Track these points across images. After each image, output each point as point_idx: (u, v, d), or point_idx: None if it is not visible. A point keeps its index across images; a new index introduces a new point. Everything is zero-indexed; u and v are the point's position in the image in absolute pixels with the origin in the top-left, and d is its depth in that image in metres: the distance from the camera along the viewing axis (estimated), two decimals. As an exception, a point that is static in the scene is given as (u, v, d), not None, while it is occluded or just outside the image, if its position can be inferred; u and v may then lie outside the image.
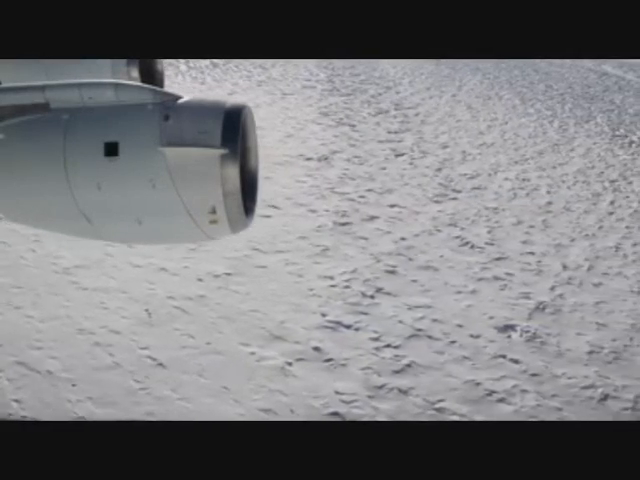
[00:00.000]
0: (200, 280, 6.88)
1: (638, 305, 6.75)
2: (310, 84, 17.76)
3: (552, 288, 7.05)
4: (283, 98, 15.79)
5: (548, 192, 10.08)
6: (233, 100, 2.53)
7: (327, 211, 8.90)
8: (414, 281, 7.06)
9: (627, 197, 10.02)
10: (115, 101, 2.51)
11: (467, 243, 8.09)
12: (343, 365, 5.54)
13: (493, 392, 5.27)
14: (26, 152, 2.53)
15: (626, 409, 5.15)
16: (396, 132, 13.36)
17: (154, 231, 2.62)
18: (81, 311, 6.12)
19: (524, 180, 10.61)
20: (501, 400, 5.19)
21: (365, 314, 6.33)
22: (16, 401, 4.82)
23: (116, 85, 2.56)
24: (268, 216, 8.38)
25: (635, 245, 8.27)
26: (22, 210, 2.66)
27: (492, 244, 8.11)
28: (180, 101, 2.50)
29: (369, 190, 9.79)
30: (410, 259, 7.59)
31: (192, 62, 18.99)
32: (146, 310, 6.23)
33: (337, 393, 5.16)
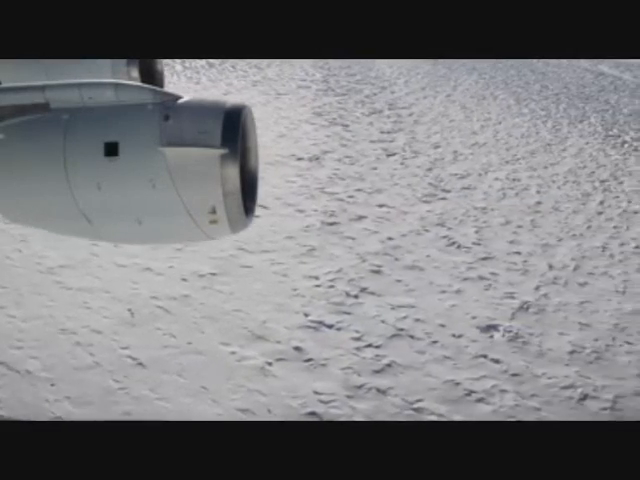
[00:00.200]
0: (185, 280, 6.88)
1: (622, 305, 6.74)
2: (305, 84, 17.77)
3: (537, 288, 7.04)
4: (277, 98, 15.80)
5: (538, 192, 10.07)
6: (233, 100, 2.53)
7: (315, 211, 8.90)
8: (399, 281, 7.06)
9: (617, 197, 10.01)
10: (115, 101, 2.51)
11: (454, 243, 8.08)
12: (323, 365, 5.53)
13: (472, 392, 5.27)
14: (26, 152, 2.53)
15: (605, 409, 5.15)
16: (389, 132, 13.36)
17: (154, 231, 2.61)
18: (64, 311, 6.13)
19: (514, 180, 10.61)
20: (480, 400, 5.18)
21: (348, 314, 6.33)
22: (-7, 401, 4.83)
23: (116, 85, 2.56)
24: (256, 216, 8.37)
25: (622, 245, 8.26)
26: (22, 210, 2.65)
27: (479, 244, 8.11)
28: (180, 101, 2.50)
29: (358, 190, 9.79)
30: (396, 259, 7.58)
31: (188, 62, 19.02)
32: (129, 310, 6.23)
33: (316, 393, 5.16)
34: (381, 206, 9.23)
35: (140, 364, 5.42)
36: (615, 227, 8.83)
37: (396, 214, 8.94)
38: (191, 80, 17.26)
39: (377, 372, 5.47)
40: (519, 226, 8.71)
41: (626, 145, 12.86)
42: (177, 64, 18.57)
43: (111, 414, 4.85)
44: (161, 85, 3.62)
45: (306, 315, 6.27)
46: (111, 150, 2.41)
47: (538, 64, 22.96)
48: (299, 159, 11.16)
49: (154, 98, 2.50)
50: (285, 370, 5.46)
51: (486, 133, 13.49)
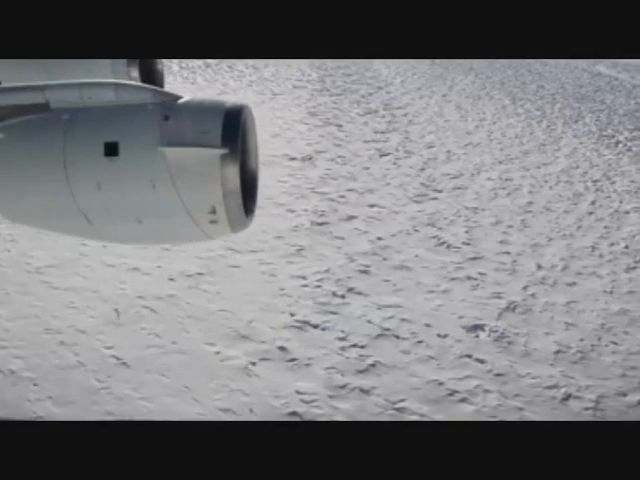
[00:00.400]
0: (172, 280, 6.88)
1: (609, 305, 6.73)
2: (301, 84, 17.78)
3: (524, 288, 7.03)
4: (272, 98, 15.81)
5: (530, 192, 10.07)
6: (233, 100, 2.54)
7: (306, 211, 8.90)
8: (386, 281, 7.06)
9: (609, 197, 10.01)
10: (115, 101, 2.52)
11: (443, 243, 8.08)
12: (307, 365, 5.53)
13: (455, 392, 5.26)
14: (26, 152, 2.53)
15: (587, 409, 5.14)
16: (383, 132, 13.36)
17: (154, 231, 2.62)
18: (50, 310, 6.13)
19: (507, 180, 10.60)
20: (463, 400, 5.18)
21: (334, 314, 6.33)
22: (-26, 400, 4.84)
23: (116, 85, 2.56)
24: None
25: (612, 245, 8.25)
26: (22, 210, 2.66)
27: (469, 244, 8.10)
28: (180, 101, 2.51)
29: (350, 190, 9.79)
30: (384, 259, 7.58)
31: (184, 62, 19.04)
32: (115, 310, 6.23)
33: (298, 393, 5.15)
34: (372, 206, 9.23)
35: (124, 364, 5.42)
36: (606, 227, 8.82)
37: (387, 214, 8.94)
38: (187, 80, 17.26)
39: (361, 372, 5.46)
40: (510, 226, 8.70)
41: (620, 145, 12.86)
42: (174, 64, 18.59)
43: (92, 414, 4.84)
44: (161, 85, 3.63)
45: (292, 315, 6.26)
46: (111, 150, 2.42)
47: (536, 64, 22.98)
48: (292, 159, 11.16)
49: (154, 98, 2.51)
50: (268, 370, 5.45)
51: (480, 133, 13.49)
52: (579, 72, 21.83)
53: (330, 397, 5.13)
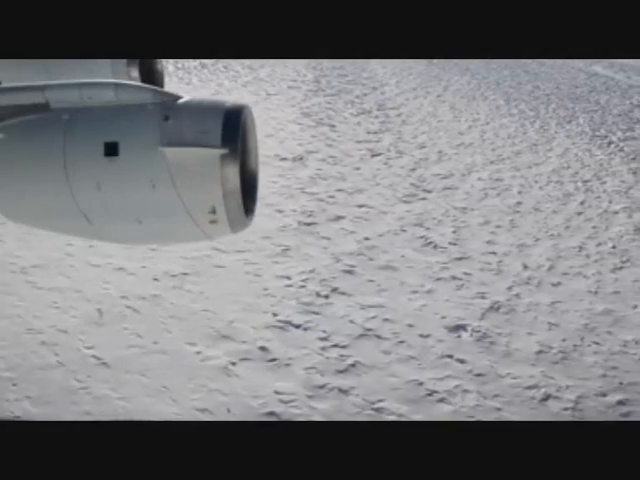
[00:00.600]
0: (156, 280, 6.88)
1: (593, 305, 6.72)
2: (296, 85, 17.80)
3: (509, 288, 7.03)
4: (267, 99, 15.82)
5: (519, 192, 10.06)
6: (233, 100, 2.55)
7: (294, 211, 8.90)
8: (371, 281, 7.05)
9: (598, 197, 9.99)
10: (115, 101, 2.52)
11: (430, 243, 8.07)
12: (287, 365, 5.53)
13: (434, 392, 5.25)
14: (26, 152, 2.54)
15: (566, 409, 5.13)
16: (375, 132, 13.37)
17: (154, 231, 2.62)
18: (32, 311, 6.13)
19: (497, 180, 10.60)
20: (441, 400, 5.17)
21: (316, 314, 6.32)
22: (-49, 400, 4.84)
23: (116, 85, 2.57)
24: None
25: (599, 245, 8.24)
26: (22, 210, 2.67)
27: (455, 244, 8.10)
28: (180, 101, 2.51)
29: (339, 190, 9.79)
30: (370, 259, 7.58)
31: (180, 63, 19.06)
32: (98, 310, 6.23)
33: (276, 393, 5.15)
34: (360, 206, 9.23)
35: (104, 364, 5.42)
36: (594, 227, 8.81)
37: (375, 214, 8.94)
38: (182, 81, 17.28)
39: (340, 372, 5.46)
40: (498, 226, 8.69)
41: (612, 145, 12.85)
42: (170, 64, 18.61)
43: (70, 414, 4.84)
44: (161, 85, 3.64)
45: (274, 315, 6.26)
46: (111, 150, 2.43)
47: (532, 64, 22.99)
48: (283, 159, 11.16)
49: (154, 98, 2.51)
50: (248, 370, 5.45)
51: (473, 133, 13.49)
52: (575, 72, 21.83)
53: (308, 397, 5.13)
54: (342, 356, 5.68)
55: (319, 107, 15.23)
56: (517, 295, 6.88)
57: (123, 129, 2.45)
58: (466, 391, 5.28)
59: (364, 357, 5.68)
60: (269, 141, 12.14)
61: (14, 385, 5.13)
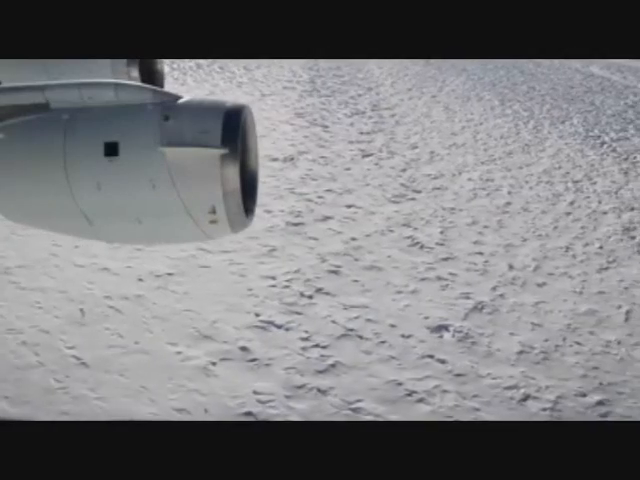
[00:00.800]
0: (141, 280, 6.88)
1: (577, 305, 6.71)
2: (291, 85, 17.80)
3: (494, 288, 7.02)
4: (261, 99, 15.81)
5: (509, 192, 10.05)
6: (233, 100, 2.54)
7: (282, 211, 8.90)
8: (356, 281, 7.05)
9: (588, 197, 9.98)
10: (115, 101, 2.51)
11: (417, 243, 8.07)
12: (267, 365, 5.52)
13: (413, 392, 5.25)
14: (26, 152, 2.53)
15: (545, 410, 5.12)
16: (368, 133, 13.36)
17: (154, 231, 2.61)
18: (15, 311, 6.13)
19: (487, 180, 10.59)
20: (420, 400, 5.16)
21: (299, 314, 6.32)
22: None
23: (116, 85, 2.56)
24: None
25: (586, 245, 8.23)
26: (22, 210, 2.66)
27: (442, 244, 8.09)
28: (180, 101, 2.50)
29: (328, 190, 9.79)
30: (356, 259, 7.57)
31: (175, 64, 19.07)
32: (80, 310, 6.24)
33: (255, 393, 5.15)
34: (349, 207, 9.23)
35: (83, 364, 5.42)
36: (582, 227, 8.80)
37: (363, 215, 8.93)
38: (177, 81, 17.28)
39: (320, 372, 5.45)
40: (485, 226, 8.69)
41: (605, 146, 12.83)
42: (165, 65, 18.62)
43: (48, 414, 4.85)
44: (161, 85, 3.63)
45: (257, 315, 6.26)
46: (111, 150, 2.42)
47: (529, 65, 22.96)
48: (274, 160, 11.16)
49: (154, 98, 2.50)
50: (228, 370, 5.45)
51: (466, 134, 13.48)
52: (572, 73, 21.81)
53: (287, 397, 5.13)
54: (323, 356, 5.68)
55: (313, 108, 15.23)
56: (501, 295, 6.88)
57: (123, 129, 2.45)
58: (445, 391, 5.28)
59: (345, 357, 5.67)
60: (261, 142, 12.09)
61: (-7, 385, 5.13)
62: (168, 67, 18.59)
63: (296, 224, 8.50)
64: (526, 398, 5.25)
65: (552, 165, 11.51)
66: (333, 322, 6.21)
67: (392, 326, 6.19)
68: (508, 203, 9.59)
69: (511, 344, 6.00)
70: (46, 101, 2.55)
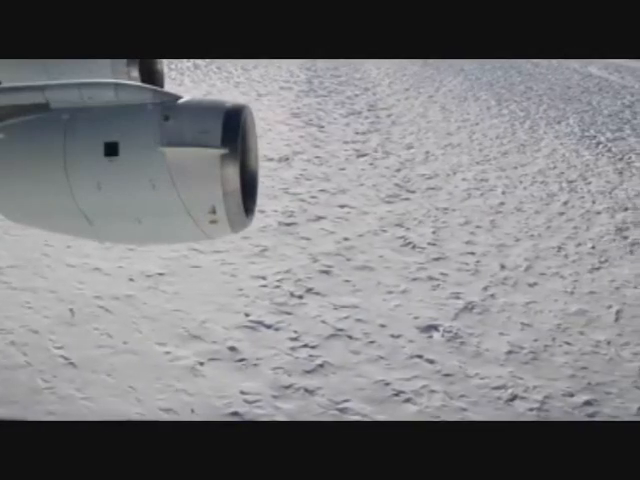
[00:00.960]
0: (132, 280, 6.88)
1: (568, 305, 6.70)
2: (288, 85, 17.80)
3: (485, 288, 7.01)
4: (257, 99, 15.81)
5: (503, 193, 10.04)
6: (233, 100, 2.55)
7: (275, 211, 8.89)
8: (347, 281, 7.05)
9: (582, 197, 9.97)
10: (115, 101, 2.53)
11: (409, 243, 8.06)
12: (255, 365, 5.52)
13: (401, 392, 5.25)
14: (26, 152, 2.54)
15: (532, 409, 5.12)
16: (364, 133, 13.36)
17: (154, 231, 2.63)
18: (5, 311, 6.13)
19: (481, 180, 10.58)
20: (407, 400, 5.16)
21: (289, 314, 6.32)
22: None
23: (116, 85, 2.58)
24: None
25: (579, 245, 8.22)
26: (22, 210, 2.68)
27: (434, 244, 8.09)
28: (180, 101, 2.52)
29: (322, 190, 9.79)
30: (348, 259, 7.57)
31: (173, 64, 19.07)
32: (70, 310, 6.24)
33: (242, 393, 5.15)
34: (342, 207, 9.22)
35: (71, 364, 5.42)
36: (575, 227, 8.79)
37: (356, 215, 8.93)
38: (174, 82, 17.28)
39: (308, 372, 5.45)
40: (478, 227, 8.68)
41: (600, 146, 12.82)
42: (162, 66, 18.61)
43: (34, 413, 4.85)
44: (161, 85, 3.64)
45: (247, 315, 6.26)
46: (111, 150, 2.43)
47: (527, 65, 22.94)
48: (269, 160, 11.15)
49: (154, 98, 2.52)
50: (216, 370, 5.45)
51: (461, 134, 13.47)
52: (570, 73, 21.78)
53: (274, 397, 5.13)
54: (311, 356, 5.68)
55: (309, 108, 15.23)
56: (492, 295, 6.87)
57: (123, 129, 2.46)
58: (433, 391, 5.28)
59: (333, 357, 5.67)
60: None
61: (-20, 385, 5.13)
62: (165, 67, 18.59)
63: (289, 224, 8.50)
64: (514, 398, 5.25)
65: (547, 165, 11.50)
66: (323, 322, 6.21)
67: (382, 326, 6.18)
68: (502, 203, 9.58)
69: (500, 344, 5.99)
70: (46, 101, 2.56)
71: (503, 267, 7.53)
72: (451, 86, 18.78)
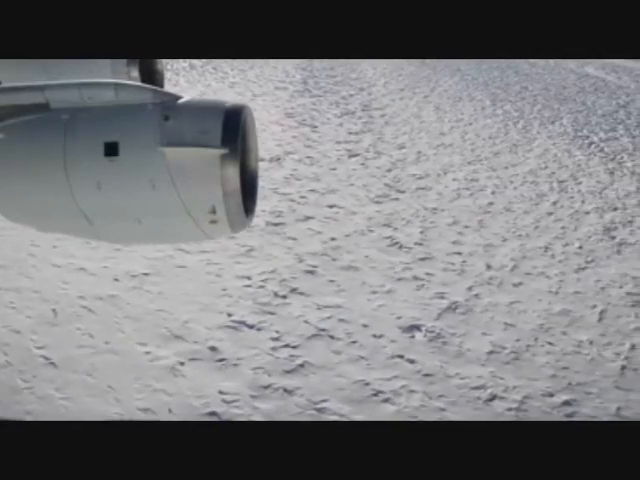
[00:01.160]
0: (116, 280, 6.89)
1: (552, 305, 6.70)
2: (283, 85, 17.80)
3: (469, 288, 7.01)
4: (252, 100, 15.79)
5: (493, 193, 10.04)
6: (233, 100, 2.55)
7: (263, 211, 8.88)
8: (331, 281, 7.05)
9: (571, 197, 9.96)
10: (115, 101, 2.53)
11: (396, 243, 8.06)
12: (235, 365, 5.53)
13: (380, 392, 5.25)
14: (26, 152, 2.54)
15: (510, 409, 5.11)
16: (357, 133, 13.36)
17: (154, 231, 2.63)
18: (-13, 311, 6.15)
19: (472, 180, 10.58)
20: (386, 400, 5.16)
21: (272, 314, 6.32)
22: None
23: (116, 85, 2.57)
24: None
25: (566, 245, 8.22)
26: (22, 210, 2.67)
27: (421, 244, 8.09)
28: (180, 101, 2.52)
29: (311, 191, 9.79)
30: (334, 259, 7.57)
31: (169, 64, 19.07)
32: (53, 310, 6.24)
33: (221, 393, 5.15)
34: (331, 207, 9.22)
35: (52, 364, 5.43)
36: (563, 227, 8.78)
37: (344, 215, 8.93)
38: (169, 82, 17.28)
39: (288, 372, 5.45)
40: (466, 226, 8.68)
41: (593, 146, 12.81)
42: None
43: (12, 413, 4.85)
44: (161, 85, 3.64)
45: (229, 315, 6.26)
46: (111, 150, 2.43)
47: (524, 65, 22.91)
48: (260, 160, 11.14)
49: (154, 98, 2.51)
50: (196, 370, 5.45)
51: (454, 134, 13.46)
52: (566, 73, 21.76)
53: (252, 397, 5.13)
54: (292, 356, 5.68)
55: (303, 108, 15.23)
56: (477, 295, 6.87)
57: (123, 129, 2.46)
58: (412, 391, 5.28)
59: (314, 357, 5.67)
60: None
61: (-41, 385, 5.14)
62: (162, 68, 18.60)
63: (276, 224, 8.51)
64: (493, 398, 5.24)
65: (538, 165, 11.49)
66: (305, 322, 6.21)
67: (364, 326, 6.18)
68: (491, 203, 9.58)
69: (482, 344, 5.99)
70: (46, 101, 2.56)
71: (489, 267, 7.53)
72: (447, 86, 18.76)
